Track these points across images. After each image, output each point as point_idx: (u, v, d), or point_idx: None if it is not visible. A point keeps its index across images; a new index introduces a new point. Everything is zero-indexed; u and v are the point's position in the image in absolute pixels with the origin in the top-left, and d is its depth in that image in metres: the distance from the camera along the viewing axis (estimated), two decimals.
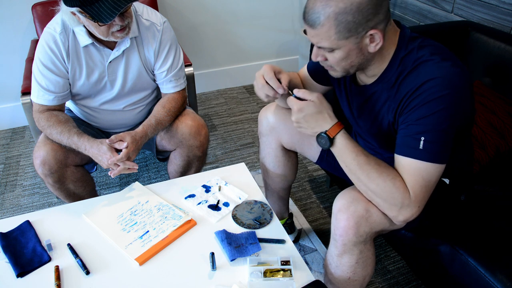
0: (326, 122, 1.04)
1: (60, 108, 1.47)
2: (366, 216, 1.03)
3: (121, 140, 1.36)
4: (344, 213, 1.04)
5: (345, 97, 1.23)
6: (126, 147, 1.34)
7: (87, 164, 1.58)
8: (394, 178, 0.98)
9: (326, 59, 1.03)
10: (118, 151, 1.35)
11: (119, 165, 1.32)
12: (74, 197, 1.53)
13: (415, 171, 0.96)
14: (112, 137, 1.35)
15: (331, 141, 1.03)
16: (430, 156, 0.95)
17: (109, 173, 1.34)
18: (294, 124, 1.08)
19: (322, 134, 1.03)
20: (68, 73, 1.42)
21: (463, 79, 0.96)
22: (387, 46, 1.02)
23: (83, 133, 1.39)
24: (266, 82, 1.11)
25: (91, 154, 1.35)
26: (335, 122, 1.04)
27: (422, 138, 0.94)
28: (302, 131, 1.09)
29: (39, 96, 1.42)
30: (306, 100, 1.05)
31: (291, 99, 1.06)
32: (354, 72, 1.07)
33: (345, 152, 1.03)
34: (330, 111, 1.05)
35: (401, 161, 0.99)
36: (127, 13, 1.31)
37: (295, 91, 1.06)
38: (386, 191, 0.98)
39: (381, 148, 1.22)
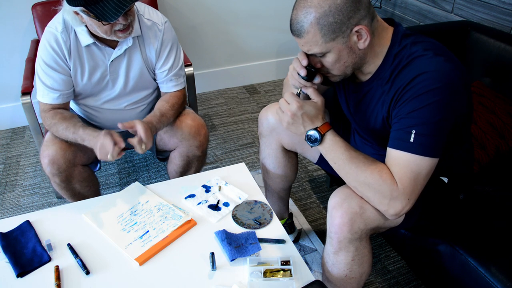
0: (319, 121, 1.08)
1: (65, 106, 1.48)
2: (360, 213, 1.03)
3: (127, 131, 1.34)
4: (338, 210, 1.05)
5: (343, 95, 1.24)
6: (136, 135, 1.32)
7: (92, 163, 1.59)
8: (381, 171, 0.99)
9: (322, 66, 1.06)
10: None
11: (121, 154, 1.30)
12: (79, 196, 1.54)
13: (404, 163, 0.97)
14: (121, 124, 1.32)
15: (322, 137, 1.06)
16: (420, 149, 0.95)
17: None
18: (285, 119, 1.08)
19: (313, 130, 1.06)
20: (70, 71, 1.42)
21: (456, 73, 0.96)
22: (379, 43, 1.03)
23: (88, 126, 1.39)
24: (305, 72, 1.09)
25: (93, 144, 1.32)
26: (325, 122, 1.08)
27: (413, 131, 0.95)
28: (292, 129, 1.10)
29: (44, 95, 1.42)
30: (309, 99, 1.08)
31: (292, 95, 1.07)
32: (351, 73, 1.08)
33: (334, 147, 1.05)
34: (324, 114, 1.09)
35: (391, 153, 1.00)
36: (130, 12, 1.31)
37: (304, 89, 1.10)
38: (374, 182, 0.99)
39: (378, 145, 1.23)
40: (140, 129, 1.30)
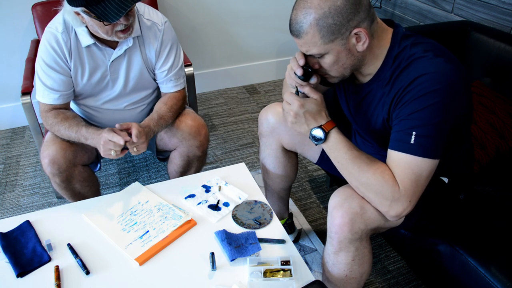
0: (322, 118, 1.07)
1: (66, 107, 1.48)
2: (360, 213, 1.03)
3: (126, 131, 1.34)
4: (338, 210, 1.05)
5: (343, 96, 1.24)
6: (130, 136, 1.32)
7: (92, 163, 1.59)
8: (383, 172, 0.99)
9: (320, 67, 1.06)
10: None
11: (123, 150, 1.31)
12: (79, 196, 1.54)
13: (405, 165, 0.97)
14: (119, 124, 1.33)
15: (326, 135, 1.05)
16: (420, 151, 0.95)
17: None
18: (289, 119, 1.09)
19: (318, 128, 1.06)
20: (70, 71, 1.42)
21: (456, 74, 0.96)
22: (378, 45, 1.03)
23: (90, 125, 1.39)
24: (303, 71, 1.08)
25: (96, 142, 1.33)
26: (329, 120, 1.07)
27: (414, 133, 0.95)
28: (296, 128, 1.10)
29: (45, 96, 1.42)
30: (307, 97, 1.08)
31: (292, 95, 1.08)
32: (349, 75, 1.08)
33: (338, 146, 1.05)
34: (326, 110, 1.09)
35: (392, 155, 1.00)
36: (131, 12, 1.31)
37: (300, 88, 1.09)
38: (376, 184, 0.99)
39: (379, 146, 1.23)
40: (133, 132, 1.30)
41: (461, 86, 0.97)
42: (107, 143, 1.28)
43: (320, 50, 0.99)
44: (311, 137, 1.08)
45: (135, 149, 1.33)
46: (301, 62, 1.05)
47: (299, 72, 1.06)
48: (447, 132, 0.97)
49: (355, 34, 0.96)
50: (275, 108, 1.43)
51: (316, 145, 1.09)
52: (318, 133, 1.06)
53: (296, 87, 1.10)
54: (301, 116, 1.06)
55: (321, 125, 1.06)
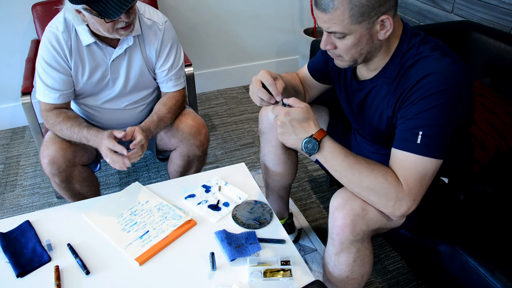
0: (311, 128, 1.03)
1: (67, 106, 1.48)
2: (362, 214, 1.03)
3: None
4: (340, 212, 1.04)
5: (344, 93, 1.24)
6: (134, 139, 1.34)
7: (91, 163, 1.59)
8: (386, 174, 0.98)
9: (335, 47, 1.03)
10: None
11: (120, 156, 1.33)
12: (79, 196, 1.54)
13: (410, 165, 0.97)
14: (128, 130, 1.36)
15: (319, 144, 1.02)
16: (427, 151, 0.95)
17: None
18: (278, 131, 1.06)
19: (309, 138, 1.02)
20: (71, 71, 1.42)
21: (462, 75, 0.96)
22: (392, 38, 1.03)
23: (92, 126, 1.40)
24: (263, 86, 1.10)
25: (97, 143, 1.35)
26: (320, 129, 1.04)
27: (420, 133, 0.95)
28: (285, 139, 1.06)
29: (45, 95, 1.42)
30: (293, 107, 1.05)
31: (278, 107, 1.06)
32: (361, 62, 1.06)
33: (334, 154, 1.02)
34: (315, 120, 1.05)
35: (397, 155, 0.99)
36: (132, 9, 1.31)
37: (285, 100, 1.07)
38: (379, 187, 0.98)
39: (380, 144, 1.22)
40: (137, 139, 1.33)
41: (466, 87, 0.97)
42: (113, 162, 1.31)
43: (344, 29, 0.96)
44: (303, 148, 1.03)
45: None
46: (278, 98, 1.07)
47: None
48: (451, 132, 0.98)
49: (382, 21, 0.95)
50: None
51: (309, 156, 1.06)
52: (310, 143, 1.02)
53: (282, 100, 1.07)
54: (287, 125, 1.03)
55: (312, 134, 1.02)
